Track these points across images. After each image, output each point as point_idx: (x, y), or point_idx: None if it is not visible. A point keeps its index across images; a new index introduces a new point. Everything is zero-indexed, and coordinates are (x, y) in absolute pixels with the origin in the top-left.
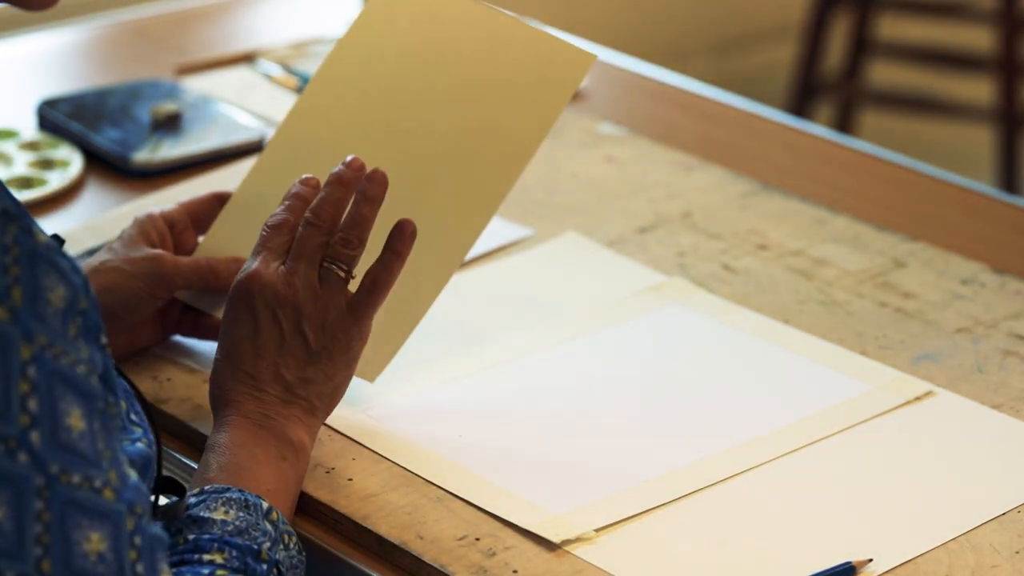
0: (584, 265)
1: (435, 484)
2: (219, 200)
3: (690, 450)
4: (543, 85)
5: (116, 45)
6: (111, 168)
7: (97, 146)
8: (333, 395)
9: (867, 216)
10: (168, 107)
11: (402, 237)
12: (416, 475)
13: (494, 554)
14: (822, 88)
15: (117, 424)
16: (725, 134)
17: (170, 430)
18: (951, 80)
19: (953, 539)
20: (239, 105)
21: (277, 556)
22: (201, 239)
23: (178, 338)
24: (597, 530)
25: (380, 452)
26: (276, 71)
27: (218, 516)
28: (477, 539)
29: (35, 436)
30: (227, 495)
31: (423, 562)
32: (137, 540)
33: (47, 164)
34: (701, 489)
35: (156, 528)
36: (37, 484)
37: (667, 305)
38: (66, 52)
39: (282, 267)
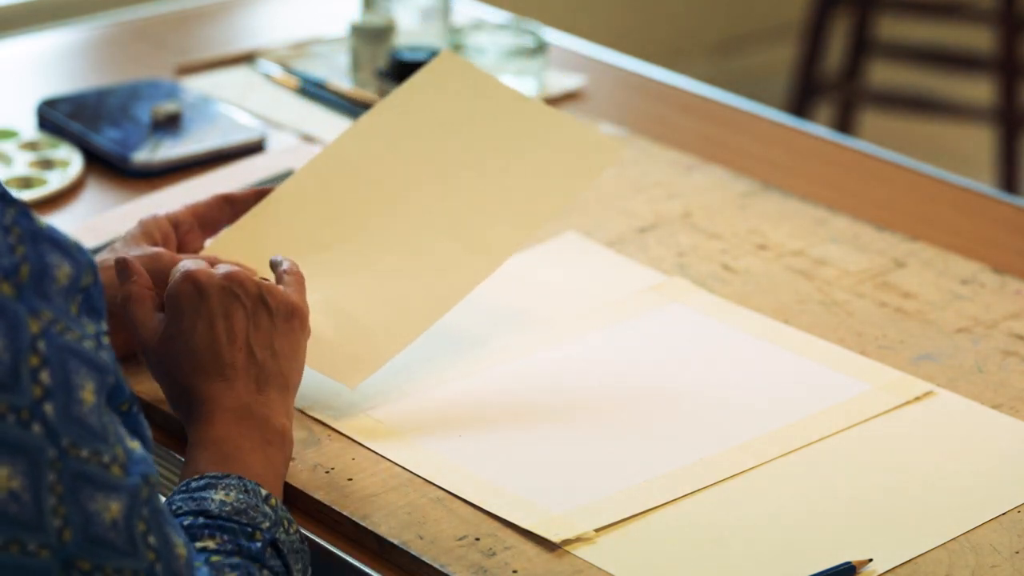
0: (584, 265)
1: (435, 484)
2: (225, 202)
3: (690, 450)
4: (569, 166)
5: (116, 45)
6: (111, 168)
7: (97, 146)
8: (299, 372)
9: (867, 216)
10: (168, 107)
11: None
12: (416, 475)
13: (494, 554)
14: (822, 88)
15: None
16: (725, 134)
17: (170, 430)
18: (951, 80)
19: (953, 539)
20: (239, 105)
21: (277, 535)
22: (209, 242)
23: None
24: (597, 530)
25: (380, 452)
26: (276, 71)
27: (218, 497)
28: (477, 539)
29: (49, 407)
30: (226, 480)
31: (423, 562)
32: (145, 511)
33: (47, 164)
34: (701, 489)
35: (162, 502)
36: (50, 456)
37: (667, 305)
38: (66, 52)
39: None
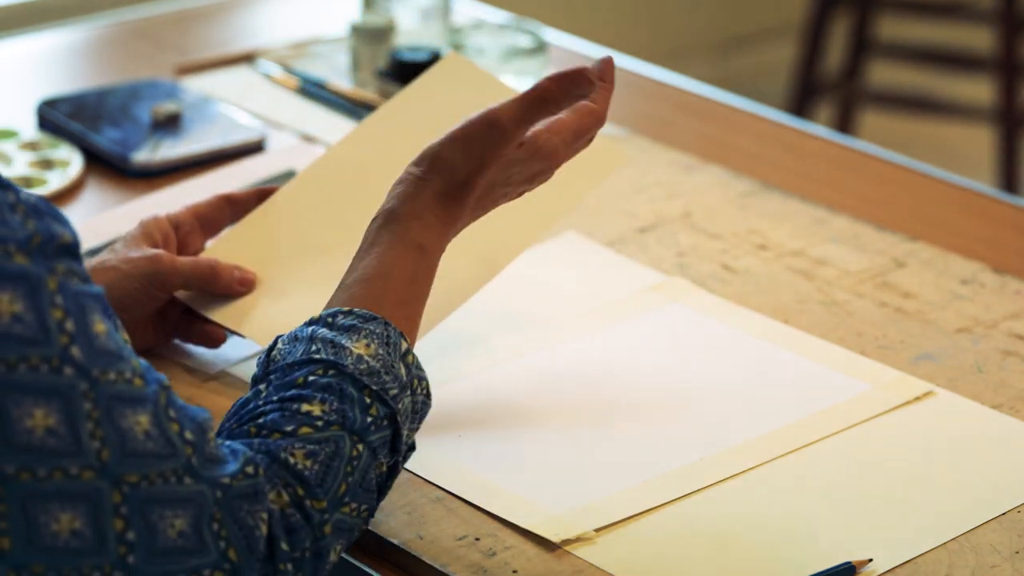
0: (584, 265)
1: (435, 484)
2: (226, 202)
3: (690, 450)
4: (574, 170)
5: (116, 45)
6: (111, 168)
7: (97, 146)
8: (486, 207)
9: (867, 216)
10: (168, 107)
11: (611, 67)
12: (416, 475)
13: (494, 554)
14: (822, 88)
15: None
16: (725, 134)
17: None
18: (951, 80)
19: (953, 539)
20: (239, 105)
21: (399, 406)
22: (210, 243)
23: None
24: (597, 530)
25: None
26: (276, 71)
27: (358, 350)
28: (477, 539)
29: (75, 350)
30: (371, 327)
31: (423, 562)
32: (171, 412)
33: (47, 164)
34: (701, 489)
35: (175, 396)
36: (82, 388)
37: (667, 305)
38: (66, 52)
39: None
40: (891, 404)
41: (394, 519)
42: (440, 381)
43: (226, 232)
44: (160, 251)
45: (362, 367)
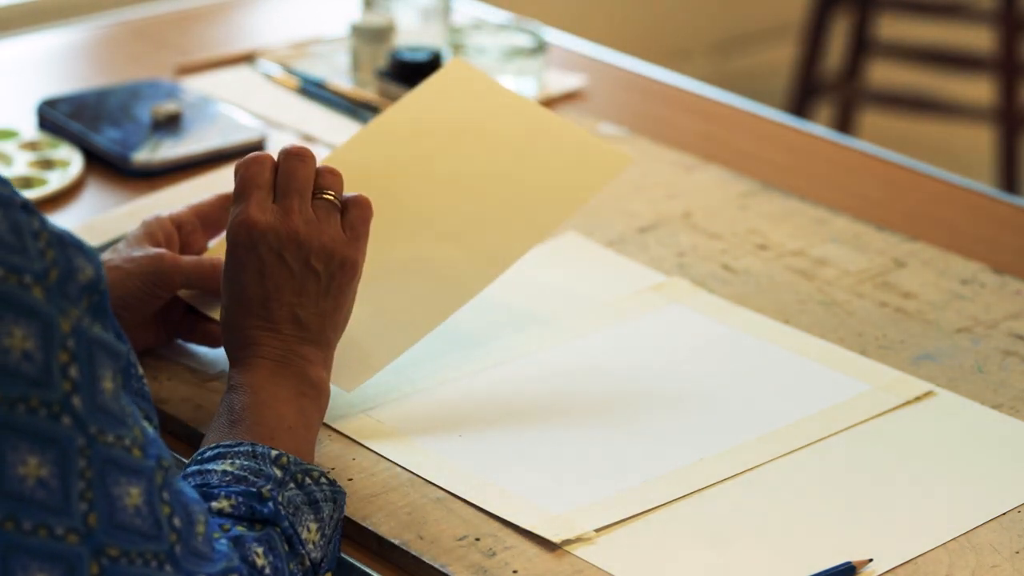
0: (584, 265)
1: (435, 484)
2: (228, 202)
3: (690, 450)
4: (575, 177)
5: (116, 45)
6: (111, 168)
7: (97, 146)
8: (343, 323)
9: (867, 216)
10: (168, 107)
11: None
12: (416, 475)
13: (494, 554)
14: (822, 88)
15: (132, 375)
16: (725, 134)
17: (171, 431)
18: (951, 80)
19: (953, 539)
20: (239, 105)
21: (279, 497)
22: (213, 242)
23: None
24: (597, 530)
25: (380, 452)
26: (276, 71)
27: (221, 468)
28: (477, 539)
29: (77, 400)
30: (236, 449)
31: (423, 562)
32: (166, 495)
33: (47, 164)
34: (701, 489)
35: (179, 479)
36: (79, 444)
37: (667, 305)
38: (66, 52)
39: (275, 205)
40: (891, 404)
41: (394, 519)
42: (440, 381)
43: None
44: (163, 250)
45: (227, 479)
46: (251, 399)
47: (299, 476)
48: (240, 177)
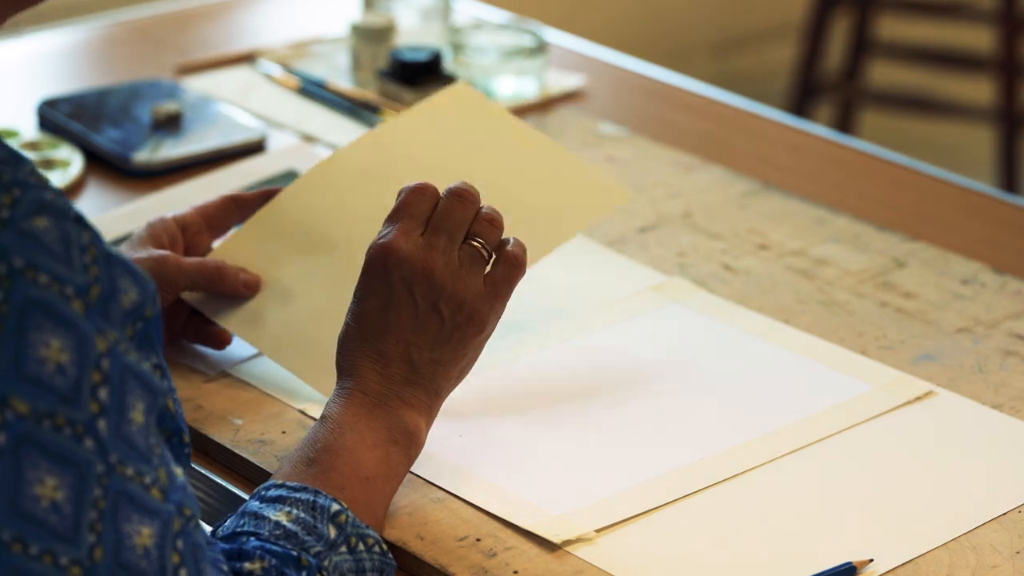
0: (584, 265)
1: (435, 484)
2: (233, 203)
3: (690, 450)
4: (571, 206)
5: (116, 45)
6: (111, 168)
7: (97, 146)
8: (458, 378)
9: (867, 216)
10: (168, 107)
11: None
12: (416, 475)
13: (494, 554)
14: (822, 88)
15: (167, 419)
16: (725, 134)
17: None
18: (951, 80)
19: (953, 539)
20: (239, 105)
21: (324, 562)
22: (216, 244)
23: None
24: (597, 530)
25: None
26: (276, 71)
27: (275, 517)
28: (477, 539)
29: (102, 424)
30: (297, 496)
31: (423, 562)
32: (180, 544)
33: (47, 164)
34: (701, 489)
35: (202, 535)
36: (98, 471)
37: (667, 305)
38: (66, 52)
39: (421, 238)
40: (891, 404)
41: (394, 519)
42: None
43: (232, 232)
44: (166, 252)
45: (278, 532)
46: (334, 440)
47: (353, 540)
48: (399, 202)
